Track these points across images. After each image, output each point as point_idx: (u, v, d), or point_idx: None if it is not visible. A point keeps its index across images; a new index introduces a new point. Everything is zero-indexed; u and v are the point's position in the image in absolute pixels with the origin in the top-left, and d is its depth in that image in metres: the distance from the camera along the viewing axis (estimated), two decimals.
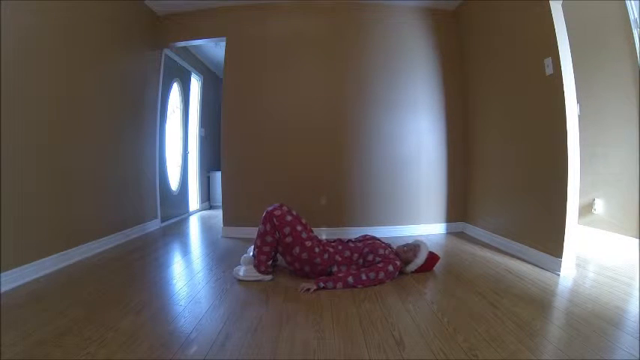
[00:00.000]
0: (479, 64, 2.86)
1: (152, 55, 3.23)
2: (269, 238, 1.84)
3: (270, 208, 1.87)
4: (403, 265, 1.93)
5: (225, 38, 3.09)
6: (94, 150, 2.41)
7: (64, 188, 2.12)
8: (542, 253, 2.08)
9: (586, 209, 2.61)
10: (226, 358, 1.12)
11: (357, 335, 1.27)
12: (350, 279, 1.74)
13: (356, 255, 1.90)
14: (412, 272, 1.96)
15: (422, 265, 1.96)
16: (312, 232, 1.95)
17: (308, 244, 1.83)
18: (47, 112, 1.98)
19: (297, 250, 1.83)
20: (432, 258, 2.02)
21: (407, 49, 3.07)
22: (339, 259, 1.87)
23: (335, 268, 1.86)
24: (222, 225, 3.09)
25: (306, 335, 1.27)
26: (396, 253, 1.96)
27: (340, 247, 1.92)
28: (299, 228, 1.85)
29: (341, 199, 3.03)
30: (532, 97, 2.19)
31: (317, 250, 1.84)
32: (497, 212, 2.64)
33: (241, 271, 1.89)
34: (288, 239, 1.83)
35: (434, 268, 2.05)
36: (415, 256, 1.93)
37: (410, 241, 2.08)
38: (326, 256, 1.85)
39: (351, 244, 1.96)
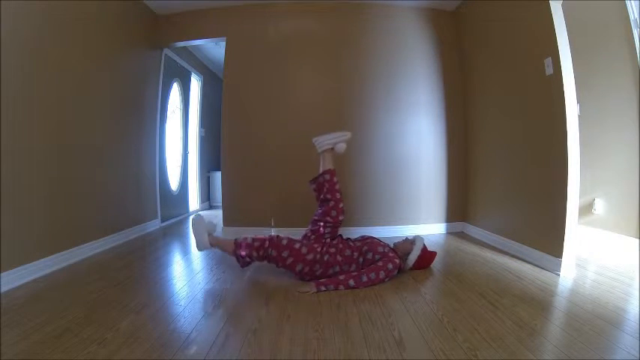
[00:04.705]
0: (479, 64, 2.86)
1: (152, 55, 3.23)
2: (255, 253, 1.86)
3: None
4: (402, 261, 1.94)
5: (225, 38, 3.10)
6: (94, 150, 2.40)
7: (64, 188, 2.12)
8: (542, 253, 2.08)
9: (586, 209, 2.61)
10: (226, 358, 1.12)
11: (357, 335, 1.27)
12: (351, 282, 1.74)
13: (356, 254, 1.90)
14: (411, 268, 1.99)
15: (420, 262, 1.99)
16: (311, 237, 1.95)
17: (310, 257, 1.83)
18: (47, 112, 1.98)
19: (300, 267, 1.83)
20: (430, 254, 2.05)
21: (407, 48, 3.07)
22: (340, 258, 1.87)
23: (337, 268, 1.86)
24: (222, 225, 3.09)
25: (306, 335, 1.27)
26: (395, 249, 1.99)
27: (341, 246, 1.91)
28: (297, 245, 1.85)
29: None
30: (532, 97, 2.19)
31: (317, 256, 1.83)
32: (498, 212, 2.64)
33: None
34: (290, 260, 1.83)
35: (434, 269, 2.06)
36: (413, 244, 2.00)
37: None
38: (326, 257, 1.84)
39: (351, 243, 1.97)
